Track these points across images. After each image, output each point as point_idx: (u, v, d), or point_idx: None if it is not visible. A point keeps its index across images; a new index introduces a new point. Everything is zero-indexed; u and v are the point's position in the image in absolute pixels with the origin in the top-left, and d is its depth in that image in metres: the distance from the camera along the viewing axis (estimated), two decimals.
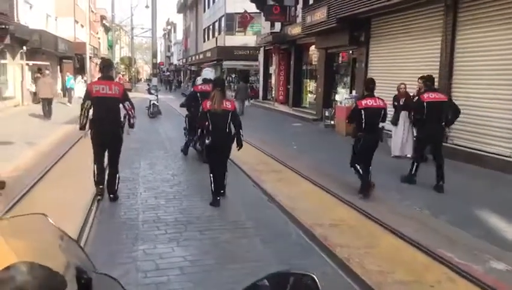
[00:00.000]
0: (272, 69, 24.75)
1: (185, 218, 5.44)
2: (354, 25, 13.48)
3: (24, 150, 9.38)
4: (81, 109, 5.88)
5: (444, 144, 9.83)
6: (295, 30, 18.56)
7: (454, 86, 9.83)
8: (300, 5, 19.54)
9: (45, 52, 24.72)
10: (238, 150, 6.28)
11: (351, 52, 15.39)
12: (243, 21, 26.11)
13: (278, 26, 22.41)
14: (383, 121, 6.65)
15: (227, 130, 6.05)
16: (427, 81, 7.40)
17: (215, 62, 36.35)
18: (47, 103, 16.32)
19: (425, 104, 7.06)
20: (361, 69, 13.67)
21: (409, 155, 9.85)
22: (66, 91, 24.87)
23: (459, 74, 9.73)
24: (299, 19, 19.47)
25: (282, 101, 22.23)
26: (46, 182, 7.10)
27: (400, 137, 10.01)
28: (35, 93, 22.81)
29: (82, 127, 5.94)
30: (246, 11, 25.37)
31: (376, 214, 5.59)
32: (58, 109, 17.97)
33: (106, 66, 6.23)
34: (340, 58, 16.61)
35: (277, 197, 6.37)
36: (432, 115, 7.06)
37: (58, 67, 31.89)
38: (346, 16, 12.96)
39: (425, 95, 7.14)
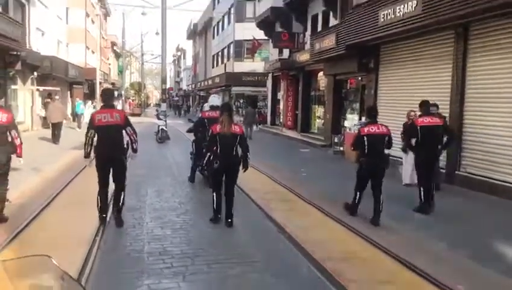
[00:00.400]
0: (280, 95, 24.80)
1: (192, 250, 5.26)
2: (362, 51, 13.48)
3: (30, 176, 9.31)
4: (86, 138, 6.07)
5: (456, 172, 9.71)
6: (303, 57, 18.65)
7: (466, 114, 9.68)
8: (308, 32, 19.68)
9: (56, 77, 25.02)
10: (244, 171, 6.46)
11: (359, 78, 15.35)
12: (251, 47, 26.37)
13: (286, 52, 22.59)
14: (388, 147, 6.67)
15: (234, 153, 6.31)
16: (422, 106, 7.47)
17: (223, 88, 36.63)
18: (57, 128, 16.63)
19: (418, 128, 7.15)
20: (370, 95, 13.60)
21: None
22: (76, 116, 25.07)
23: (471, 101, 9.60)
24: (307, 46, 19.59)
25: (291, 126, 22.20)
26: (51, 210, 7.00)
27: (410, 164, 9.81)
28: (45, 118, 23.04)
29: (87, 155, 6.11)
30: (254, 38, 25.64)
31: (389, 247, 5.38)
32: (68, 134, 18.09)
33: (107, 95, 6.51)
34: (349, 85, 16.56)
35: (287, 227, 6.18)
36: (426, 140, 7.16)
37: (69, 92, 32.25)
38: (354, 43, 12.98)
39: (420, 119, 7.25)
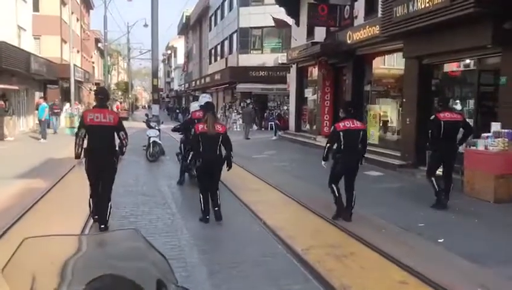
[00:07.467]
0: (308, 92, 19.03)
1: None
2: (501, 11, 7.81)
3: None
4: (76, 138, 5.92)
5: None
6: (359, 34, 12.85)
7: None
8: (361, 3, 13.91)
9: (14, 73, 19.13)
10: (228, 170, 6.49)
11: (468, 61, 9.69)
12: (277, 24, 20.79)
13: (318, 34, 16.78)
14: (363, 143, 6.55)
15: (217, 152, 6.36)
16: (441, 102, 8.20)
17: (226, 85, 30.85)
18: None
19: (442, 122, 7.18)
20: None
21: None
22: (40, 123, 19.01)
23: None
24: (358, 21, 13.87)
25: (328, 134, 16.36)
26: None
27: None
28: None
29: (77, 156, 5.97)
30: (274, 18, 20.12)
31: None
32: (28, 148, 13.01)
33: (102, 94, 6.25)
34: (444, 72, 10.75)
35: None
36: (448, 134, 7.21)
37: (41, 93, 26.23)
38: None
39: (442, 114, 7.29)
